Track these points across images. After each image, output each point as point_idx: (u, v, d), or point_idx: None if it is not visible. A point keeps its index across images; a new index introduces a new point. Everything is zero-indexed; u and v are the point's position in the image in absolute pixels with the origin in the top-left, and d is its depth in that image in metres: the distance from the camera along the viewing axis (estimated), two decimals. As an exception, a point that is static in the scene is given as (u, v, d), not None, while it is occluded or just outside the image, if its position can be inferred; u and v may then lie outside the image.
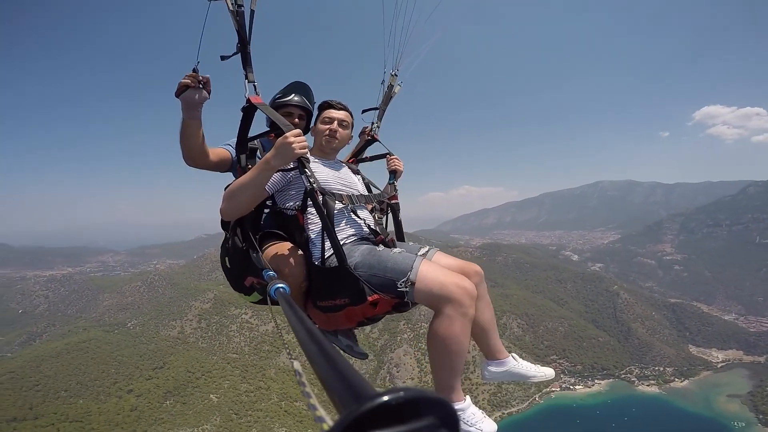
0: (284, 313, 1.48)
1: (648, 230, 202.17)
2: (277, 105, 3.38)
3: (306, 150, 2.47)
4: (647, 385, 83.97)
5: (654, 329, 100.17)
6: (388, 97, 3.79)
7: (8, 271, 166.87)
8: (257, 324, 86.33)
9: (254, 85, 2.72)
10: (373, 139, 3.70)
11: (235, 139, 2.94)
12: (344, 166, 3.18)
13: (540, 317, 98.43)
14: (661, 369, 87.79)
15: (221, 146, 3.18)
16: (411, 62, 3.71)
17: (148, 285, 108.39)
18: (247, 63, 2.71)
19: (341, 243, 2.51)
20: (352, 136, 3.22)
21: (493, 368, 2.85)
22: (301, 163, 2.51)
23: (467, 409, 2.39)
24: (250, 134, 2.88)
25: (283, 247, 2.70)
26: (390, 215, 3.26)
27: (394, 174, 3.45)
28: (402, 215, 3.31)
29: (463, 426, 2.32)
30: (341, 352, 2.57)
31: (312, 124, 3.23)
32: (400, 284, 2.27)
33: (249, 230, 2.72)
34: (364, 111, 3.75)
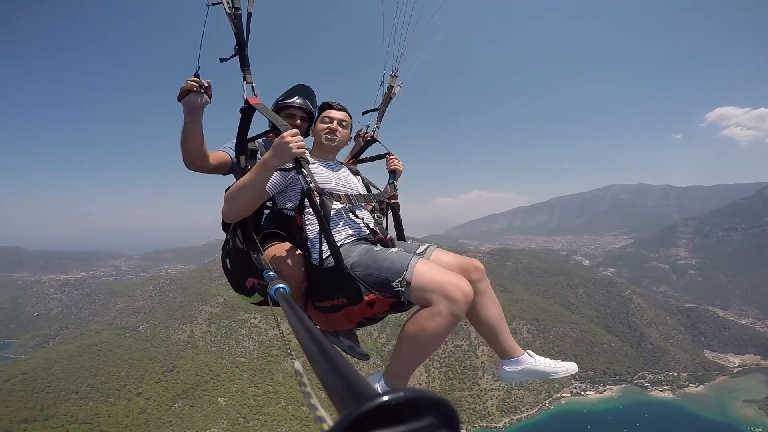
0: (284, 314, 1.49)
1: (661, 234, 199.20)
2: (279, 107, 3.42)
3: (303, 150, 2.48)
4: (660, 391, 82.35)
5: (668, 334, 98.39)
6: (387, 98, 3.81)
7: (24, 274, 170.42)
8: (266, 328, 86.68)
9: (252, 87, 2.75)
10: (373, 140, 3.72)
11: (234, 141, 2.98)
12: (343, 167, 3.19)
13: (551, 323, 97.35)
14: (675, 374, 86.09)
15: (220, 149, 3.21)
16: (412, 63, 3.72)
17: (160, 289, 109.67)
18: (245, 65, 2.74)
19: (339, 243, 2.54)
20: (350, 138, 3.25)
21: (509, 368, 2.72)
22: (299, 163, 2.52)
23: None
24: (250, 135, 2.91)
25: (283, 247, 2.71)
26: (390, 215, 3.26)
27: (393, 174, 3.46)
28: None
29: None
30: (342, 353, 2.56)
31: (313, 126, 3.25)
32: (396, 284, 2.26)
33: (250, 231, 2.74)
34: (364, 112, 3.78)
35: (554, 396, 79.31)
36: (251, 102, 2.67)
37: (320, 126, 3.04)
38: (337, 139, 3.03)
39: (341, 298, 2.42)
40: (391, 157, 3.54)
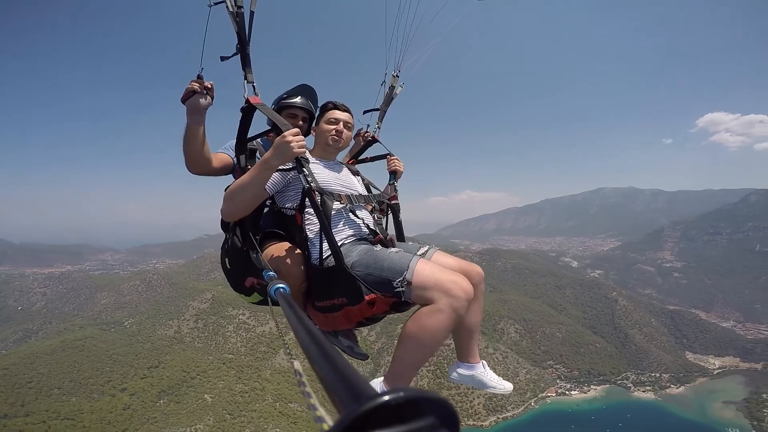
0: (284, 314, 1.48)
1: (649, 238, 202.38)
2: (281, 106, 3.42)
3: (304, 149, 2.47)
4: (643, 391, 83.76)
5: (651, 335, 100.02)
6: (389, 98, 3.80)
7: (7, 268, 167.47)
8: (254, 325, 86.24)
9: (253, 86, 2.74)
10: (374, 140, 3.72)
11: (232, 142, 2.97)
12: (344, 167, 3.19)
13: (538, 323, 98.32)
14: (658, 375, 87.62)
15: (219, 151, 3.18)
16: (413, 63, 3.72)
17: (147, 284, 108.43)
18: (246, 64, 2.73)
19: (339, 243, 2.54)
20: (352, 139, 3.25)
21: (462, 370, 2.84)
22: (299, 163, 2.52)
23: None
24: (250, 134, 2.90)
25: (283, 247, 2.70)
26: (390, 216, 3.25)
27: (394, 174, 3.46)
28: (403, 219, 3.31)
29: None
30: (341, 352, 2.48)
31: (314, 125, 3.24)
32: (396, 283, 2.25)
33: (249, 231, 2.72)
34: (365, 112, 3.78)
35: (540, 395, 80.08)
36: (252, 101, 2.66)
37: (326, 127, 3.03)
38: (343, 140, 3.05)
39: (341, 298, 2.43)
40: (392, 157, 3.55)
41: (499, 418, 73.33)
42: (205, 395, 66.35)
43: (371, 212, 3.07)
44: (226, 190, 2.80)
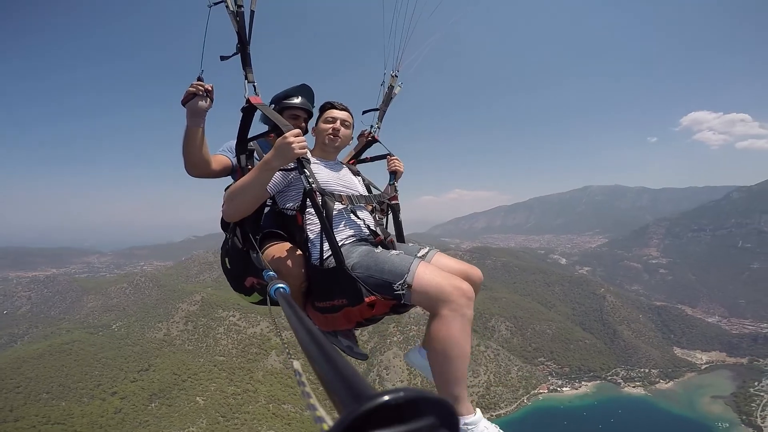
0: (284, 314, 1.48)
1: (634, 235, 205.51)
2: (283, 107, 3.42)
3: (305, 150, 2.47)
4: (633, 387, 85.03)
5: (639, 331, 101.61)
6: (388, 97, 3.80)
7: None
8: (245, 326, 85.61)
9: (254, 86, 2.73)
10: (374, 140, 3.72)
11: (230, 143, 2.97)
12: (344, 168, 3.19)
13: (528, 320, 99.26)
14: (647, 371, 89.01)
15: (218, 153, 3.19)
16: (412, 63, 3.73)
17: (134, 286, 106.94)
18: (246, 63, 2.72)
19: (340, 243, 2.52)
20: (352, 137, 3.24)
21: (420, 356, 2.79)
22: (301, 163, 2.51)
23: (479, 423, 2.23)
24: (250, 135, 2.89)
25: (283, 247, 2.70)
26: (390, 216, 3.25)
27: (394, 174, 3.46)
28: (400, 215, 3.30)
29: None
30: (341, 352, 2.57)
31: (313, 125, 3.24)
32: (397, 286, 2.25)
33: (249, 231, 2.72)
34: (364, 112, 3.77)
35: (532, 392, 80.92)
36: (253, 101, 2.66)
37: (323, 126, 3.03)
38: (340, 139, 3.04)
39: (341, 299, 2.42)
40: (392, 157, 3.54)
41: (492, 416, 73.65)
42: (197, 398, 65.76)
43: (372, 212, 3.08)
44: (226, 190, 2.81)
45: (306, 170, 2.51)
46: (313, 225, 2.64)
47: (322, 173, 2.80)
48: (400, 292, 2.24)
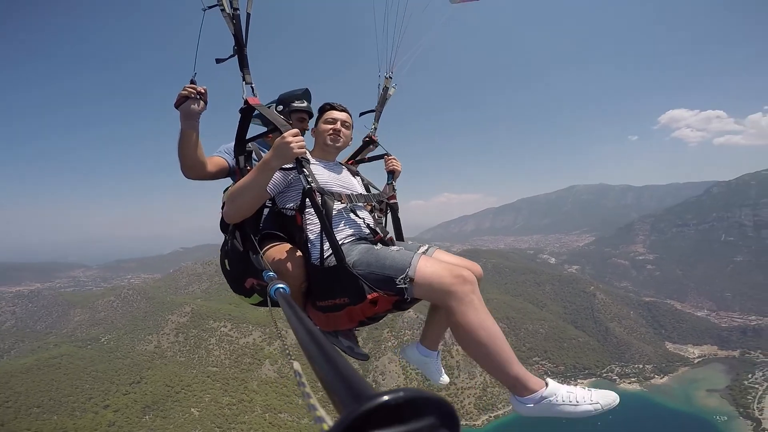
0: (284, 314, 1.47)
1: (620, 232, 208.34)
2: (291, 110, 3.48)
3: (304, 150, 2.48)
4: (629, 383, 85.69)
5: (631, 328, 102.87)
6: (383, 99, 3.85)
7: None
8: (237, 337, 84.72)
9: (252, 87, 2.73)
10: (371, 141, 3.74)
11: (227, 145, 2.98)
12: (344, 168, 3.20)
13: (521, 320, 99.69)
14: (641, 366, 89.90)
15: (215, 154, 3.20)
16: (404, 64, 3.78)
17: (122, 299, 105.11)
18: (244, 65, 2.73)
19: (340, 243, 2.53)
20: (352, 138, 3.24)
21: (418, 352, 2.93)
22: (300, 163, 2.52)
23: (558, 392, 2.19)
24: (249, 135, 2.89)
25: (283, 248, 2.70)
26: (389, 215, 3.28)
27: (392, 174, 3.48)
28: (399, 214, 3.35)
29: (568, 409, 2.18)
30: (341, 353, 2.51)
31: (312, 126, 3.25)
32: (399, 281, 2.26)
33: (249, 232, 2.72)
34: (361, 114, 3.80)
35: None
36: (251, 102, 2.67)
37: (324, 127, 3.05)
38: (342, 139, 3.06)
39: (343, 297, 2.42)
40: (390, 157, 3.58)
41: (490, 417, 73.99)
42: (192, 409, 64.96)
43: (371, 212, 3.10)
44: (225, 191, 2.87)
45: (305, 170, 2.52)
46: (312, 225, 2.65)
47: (321, 173, 2.82)
48: (403, 286, 2.25)
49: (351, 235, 2.70)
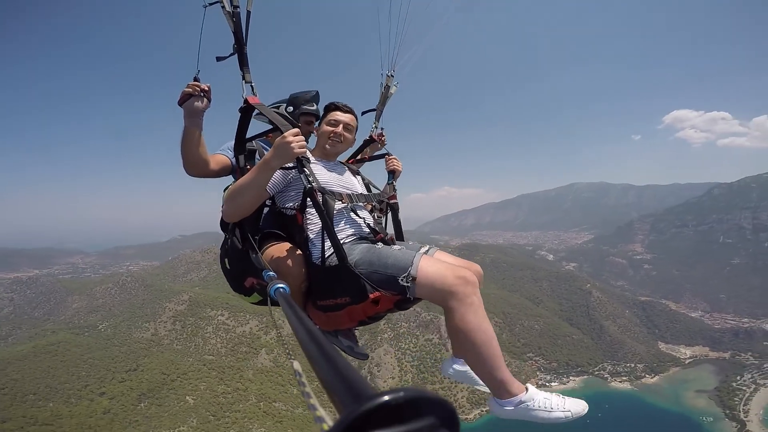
0: (284, 313, 1.46)
1: (620, 231, 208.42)
2: (302, 111, 3.49)
3: (304, 149, 2.47)
4: (620, 382, 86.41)
5: (625, 327, 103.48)
6: (384, 97, 3.83)
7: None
8: (234, 325, 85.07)
9: (252, 86, 2.73)
10: (372, 140, 3.75)
11: (231, 143, 2.96)
12: (345, 168, 3.19)
13: (517, 316, 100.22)
14: (633, 365, 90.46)
15: (218, 152, 3.19)
16: (406, 62, 3.75)
17: (120, 287, 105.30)
18: (244, 64, 2.72)
19: (341, 242, 2.52)
20: (355, 140, 3.22)
21: (458, 366, 2.85)
22: (300, 163, 2.52)
23: (536, 397, 2.27)
24: (249, 135, 2.90)
25: (283, 247, 2.70)
26: (390, 215, 3.26)
27: (392, 174, 3.46)
28: (399, 214, 3.33)
29: (542, 414, 2.25)
30: (341, 352, 2.59)
31: (316, 125, 3.24)
32: (402, 279, 2.27)
33: (248, 231, 2.72)
34: (364, 113, 3.78)
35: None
36: (251, 101, 2.65)
37: (326, 129, 3.01)
38: (342, 143, 3.03)
39: (344, 297, 2.43)
40: (390, 157, 3.55)
41: (483, 411, 74.40)
42: (187, 397, 65.30)
43: (371, 212, 3.10)
44: (225, 190, 2.85)
45: (306, 169, 2.52)
46: (313, 224, 2.65)
47: (322, 173, 2.81)
48: (405, 284, 2.27)
49: (352, 235, 2.70)
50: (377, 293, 2.35)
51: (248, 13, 2.69)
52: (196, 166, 2.91)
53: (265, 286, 2.33)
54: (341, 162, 3.31)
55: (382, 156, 3.67)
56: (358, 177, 3.32)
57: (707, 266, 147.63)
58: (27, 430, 52.60)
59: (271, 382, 72.95)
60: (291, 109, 3.48)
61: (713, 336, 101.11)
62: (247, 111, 2.69)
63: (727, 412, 73.32)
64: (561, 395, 2.35)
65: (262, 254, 2.59)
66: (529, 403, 2.26)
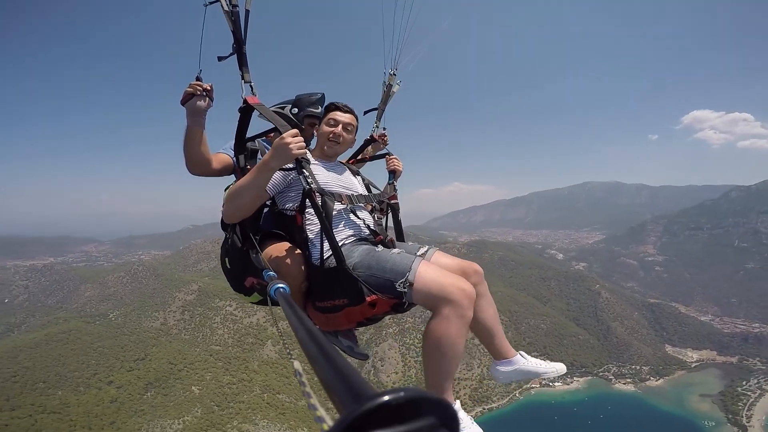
0: (284, 313, 1.47)
1: (632, 231, 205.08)
2: (306, 113, 3.47)
3: (303, 150, 2.47)
4: (624, 383, 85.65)
5: (633, 328, 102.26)
6: (386, 96, 3.81)
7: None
8: (241, 316, 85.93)
9: (251, 86, 2.72)
10: (372, 140, 3.74)
11: (232, 143, 2.96)
12: (345, 168, 3.19)
13: (523, 314, 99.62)
14: (638, 368, 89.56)
15: (220, 151, 3.18)
16: (410, 61, 3.71)
17: (132, 275, 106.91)
18: (243, 64, 2.72)
19: (340, 243, 2.54)
20: (355, 140, 3.21)
21: (502, 368, 2.81)
22: (299, 164, 2.53)
23: (465, 420, 2.33)
24: (250, 134, 2.90)
25: (283, 247, 2.71)
26: (390, 215, 3.24)
27: (393, 174, 3.44)
28: (400, 214, 3.31)
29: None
30: (341, 352, 2.59)
31: (317, 125, 3.24)
32: (399, 285, 2.27)
33: (249, 231, 2.73)
34: (366, 112, 3.79)
35: (524, 387, 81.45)
36: (250, 101, 2.64)
37: (325, 129, 3.00)
38: (340, 144, 3.02)
39: (342, 299, 2.44)
40: (391, 157, 3.52)
41: (484, 409, 74.63)
42: (193, 387, 66.14)
43: (371, 212, 3.08)
44: (226, 190, 2.86)
45: (305, 170, 2.53)
46: (312, 225, 2.66)
47: (321, 174, 2.82)
48: (402, 290, 2.27)
49: (351, 236, 2.70)
50: (374, 296, 2.36)
51: (247, 12, 2.70)
52: (198, 164, 2.93)
53: (265, 286, 2.36)
54: (341, 162, 3.31)
55: (383, 156, 3.66)
56: (359, 177, 3.31)
57: (720, 270, 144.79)
58: (35, 418, 53.57)
59: (275, 373, 73.72)
60: (296, 110, 3.47)
61: (722, 340, 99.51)
62: (246, 111, 2.70)
63: (730, 416, 72.44)
64: (472, 420, 2.36)
65: (262, 254, 2.61)
66: (461, 412, 2.29)
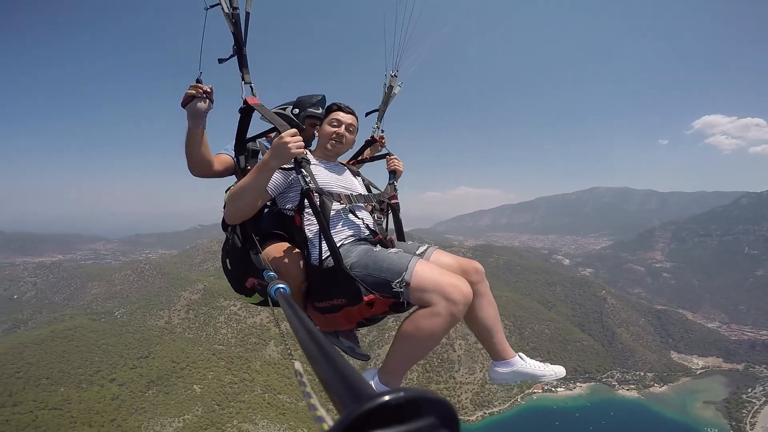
0: (284, 314, 1.47)
1: (640, 237, 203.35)
2: (308, 114, 3.49)
3: (302, 150, 2.47)
4: (627, 390, 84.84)
5: (638, 335, 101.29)
6: (387, 97, 3.81)
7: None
8: (245, 316, 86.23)
9: (251, 87, 2.73)
10: (373, 140, 3.75)
11: (233, 143, 2.98)
12: (345, 169, 3.19)
13: (527, 319, 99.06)
14: (642, 374, 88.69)
15: (222, 152, 3.19)
16: (411, 63, 3.72)
17: (138, 274, 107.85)
18: (243, 65, 2.73)
19: (339, 243, 2.55)
20: (355, 141, 3.22)
21: (500, 369, 2.79)
22: (298, 164, 2.54)
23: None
24: (250, 135, 2.91)
25: (283, 247, 2.73)
26: (390, 215, 3.24)
27: (393, 174, 3.45)
28: (400, 214, 3.31)
29: None
30: (342, 353, 2.48)
31: (318, 126, 3.24)
32: (395, 284, 2.26)
33: (249, 231, 2.75)
34: (367, 114, 3.79)
35: (526, 392, 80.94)
36: (250, 102, 2.65)
37: (328, 129, 3.01)
38: (343, 145, 3.03)
39: (340, 299, 2.44)
40: (392, 157, 3.53)
41: (485, 413, 74.18)
42: (195, 386, 66.40)
43: (371, 212, 3.08)
44: (227, 191, 2.88)
45: (303, 170, 2.55)
46: (311, 225, 2.66)
47: (321, 174, 2.82)
48: (399, 290, 2.26)
49: (350, 236, 2.69)
50: (371, 296, 2.35)
51: (247, 14, 2.71)
52: (199, 166, 2.93)
53: (266, 286, 2.33)
54: (342, 163, 3.32)
55: (383, 156, 3.67)
56: (359, 178, 3.31)
57: (729, 277, 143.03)
58: (36, 414, 53.92)
59: (277, 374, 73.84)
60: (297, 111, 3.48)
61: (728, 347, 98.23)
62: (246, 112, 2.71)
63: (733, 423, 71.55)
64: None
65: (262, 254, 2.64)
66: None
